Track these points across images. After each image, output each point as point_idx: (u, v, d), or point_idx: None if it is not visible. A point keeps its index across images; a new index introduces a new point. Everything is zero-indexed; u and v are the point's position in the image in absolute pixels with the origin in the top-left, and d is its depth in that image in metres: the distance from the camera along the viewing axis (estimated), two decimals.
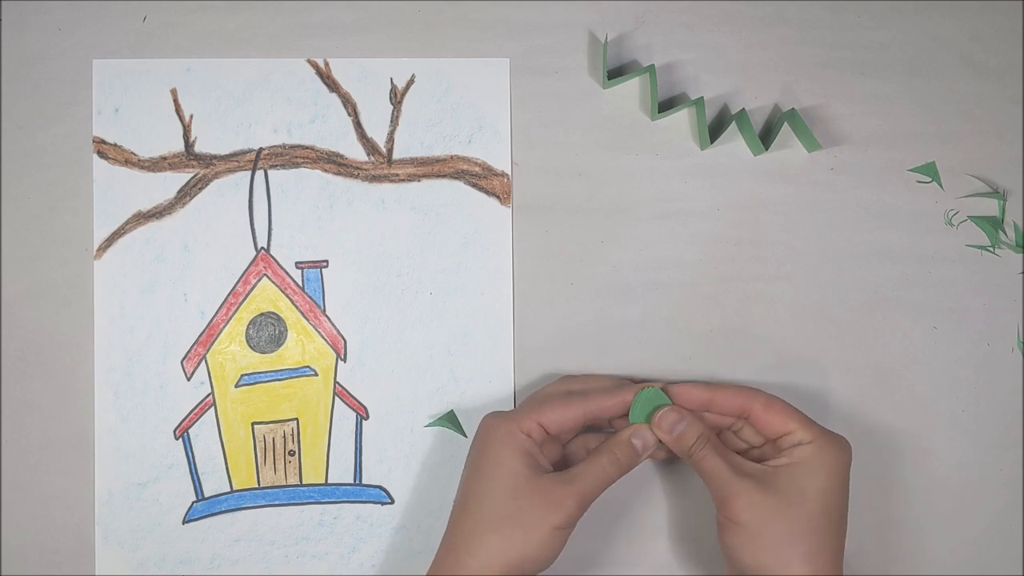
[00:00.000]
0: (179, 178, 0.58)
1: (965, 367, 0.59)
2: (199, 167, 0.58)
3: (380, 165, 0.58)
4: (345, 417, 0.58)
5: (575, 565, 0.57)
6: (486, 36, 0.58)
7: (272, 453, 0.58)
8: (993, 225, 0.59)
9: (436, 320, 0.58)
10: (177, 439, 0.57)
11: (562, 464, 0.54)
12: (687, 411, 0.52)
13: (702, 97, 0.57)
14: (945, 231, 0.59)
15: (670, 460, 0.58)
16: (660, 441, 0.52)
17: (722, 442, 0.54)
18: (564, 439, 0.54)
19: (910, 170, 0.59)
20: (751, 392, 0.53)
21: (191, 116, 0.58)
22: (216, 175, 0.58)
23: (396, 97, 0.58)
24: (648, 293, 0.58)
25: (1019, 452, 0.58)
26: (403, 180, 0.58)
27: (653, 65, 0.57)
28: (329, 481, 0.58)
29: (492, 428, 0.52)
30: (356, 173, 0.58)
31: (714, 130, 0.59)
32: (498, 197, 0.58)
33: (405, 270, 0.58)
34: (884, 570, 0.58)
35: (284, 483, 0.58)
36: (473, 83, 0.59)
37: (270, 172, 0.58)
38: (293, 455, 0.58)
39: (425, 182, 0.58)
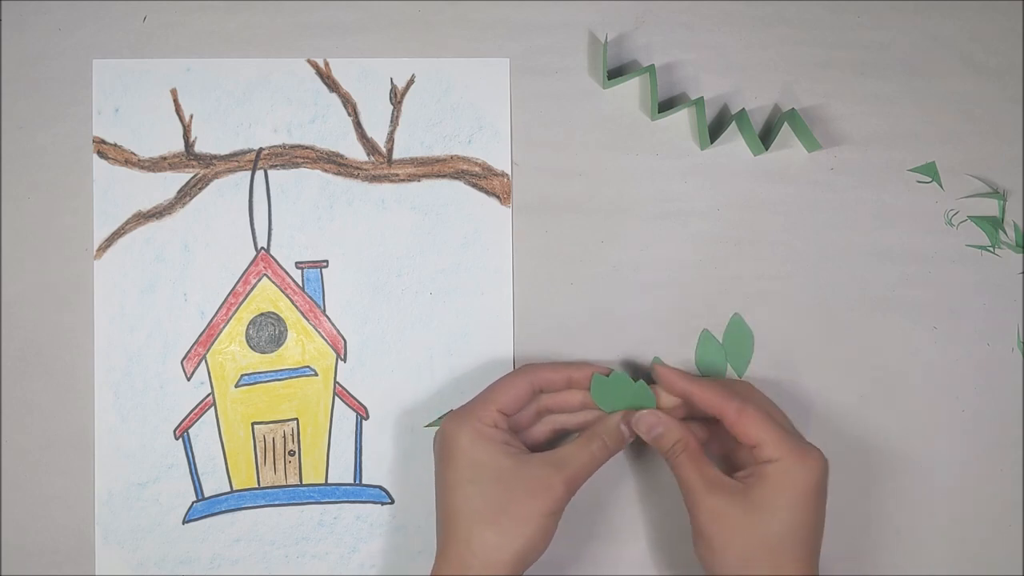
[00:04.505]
0: (179, 178, 0.58)
1: (965, 367, 0.58)
2: (199, 167, 0.58)
3: (380, 165, 0.58)
4: (345, 417, 0.58)
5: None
6: (486, 36, 0.58)
7: (272, 453, 0.58)
8: (993, 225, 0.59)
9: (436, 320, 0.58)
10: (177, 439, 0.57)
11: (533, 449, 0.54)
12: (665, 415, 0.52)
13: (702, 97, 0.57)
14: (945, 231, 0.59)
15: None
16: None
17: (718, 434, 0.54)
18: (520, 419, 0.54)
19: (910, 170, 0.59)
20: (728, 395, 0.52)
21: (191, 116, 0.58)
22: (216, 175, 0.58)
23: (396, 97, 0.58)
24: (648, 293, 0.58)
25: (1019, 452, 0.58)
26: (403, 180, 0.58)
27: (653, 65, 0.57)
28: (329, 481, 0.58)
29: (457, 430, 0.52)
30: (356, 173, 0.58)
31: (714, 130, 0.59)
32: (498, 197, 0.58)
33: (405, 270, 0.58)
34: (884, 570, 0.58)
35: (284, 483, 0.58)
36: (473, 83, 0.58)
37: (270, 172, 0.58)
38: (293, 455, 0.58)
39: (425, 182, 0.58)
